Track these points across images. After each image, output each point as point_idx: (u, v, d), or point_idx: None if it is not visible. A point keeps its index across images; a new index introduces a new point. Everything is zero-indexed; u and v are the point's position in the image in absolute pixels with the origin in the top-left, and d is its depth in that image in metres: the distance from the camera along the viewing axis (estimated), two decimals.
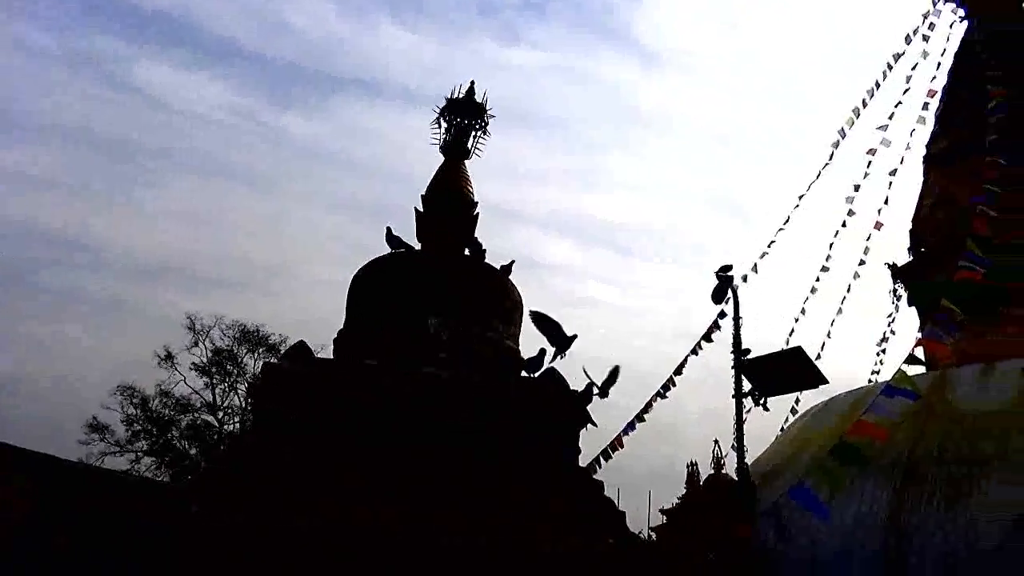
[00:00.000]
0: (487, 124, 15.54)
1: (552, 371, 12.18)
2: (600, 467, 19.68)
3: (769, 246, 23.42)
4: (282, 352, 25.14)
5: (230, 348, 32.68)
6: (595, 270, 70.43)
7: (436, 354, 11.87)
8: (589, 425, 16.16)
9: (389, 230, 14.64)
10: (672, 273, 72.18)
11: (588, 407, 12.58)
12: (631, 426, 20.02)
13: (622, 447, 19.76)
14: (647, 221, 72.78)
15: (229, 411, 31.91)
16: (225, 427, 31.17)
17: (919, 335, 16.83)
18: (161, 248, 58.82)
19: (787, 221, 23.03)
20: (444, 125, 15.57)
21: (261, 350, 32.46)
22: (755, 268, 22.75)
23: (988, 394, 16.87)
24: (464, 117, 15.48)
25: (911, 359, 14.47)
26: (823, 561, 15.55)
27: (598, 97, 76.70)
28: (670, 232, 72.67)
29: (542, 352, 13.19)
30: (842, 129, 24.18)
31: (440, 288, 12.70)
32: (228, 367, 32.28)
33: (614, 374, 14.66)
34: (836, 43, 72.40)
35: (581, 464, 14.09)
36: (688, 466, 19.43)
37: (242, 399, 30.99)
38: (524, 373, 12.63)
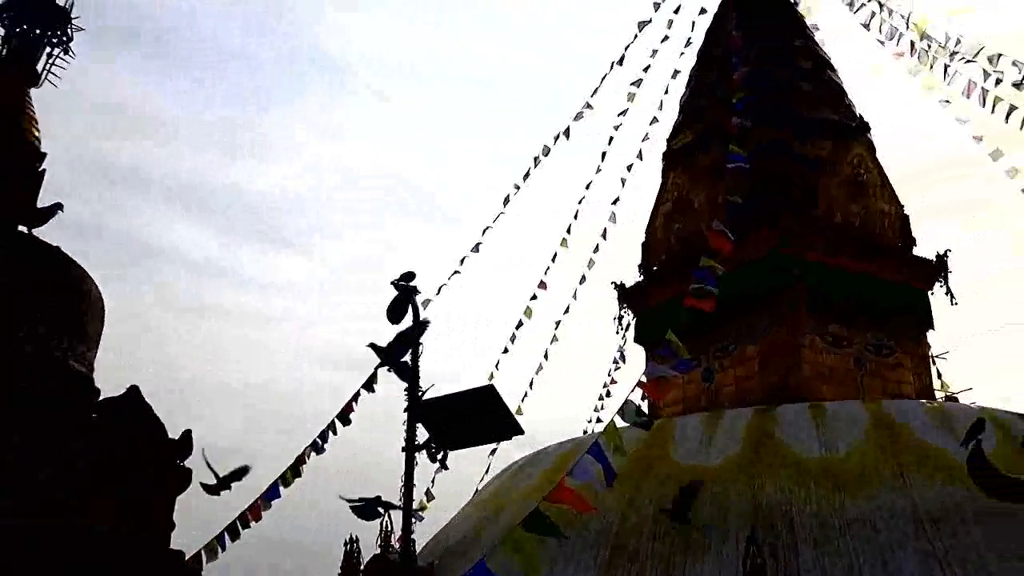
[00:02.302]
0: (70, 39, 14.00)
1: (139, 405, 11.14)
2: (223, 549, 18.79)
3: (475, 248, 24.19)
4: None
5: None
6: (238, 264, 67.71)
7: None
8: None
9: None
10: (343, 275, 71.58)
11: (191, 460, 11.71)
12: (275, 491, 19.43)
13: (259, 519, 19.15)
14: (312, 203, 71.52)
15: None
16: None
17: (643, 375, 18.12)
18: None
19: (496, 218, 23.89)
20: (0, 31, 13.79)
21: None
22: (452, 276, 23.42)
23: (713, 447, 18.67)
24: (33, 24, 13.77)
25: (628, 410, 15.38)
26: None
27: (271, 34, 74.73)
28: (343, 218, 71.75)
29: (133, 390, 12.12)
30: (579, 113, 25.72)
31: None
32: None
33: (239, 473, 14.51)
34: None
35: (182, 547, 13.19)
36: (346, 544, 19.31)
37: None
38: (96, 410, 11.46)
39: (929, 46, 22.64)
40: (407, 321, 14.33)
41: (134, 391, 11.93)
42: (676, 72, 25.69)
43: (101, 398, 12.18)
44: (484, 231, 24.22)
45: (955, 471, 16.24)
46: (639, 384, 16.45)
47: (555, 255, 25.12)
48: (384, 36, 74.91)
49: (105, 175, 61.16)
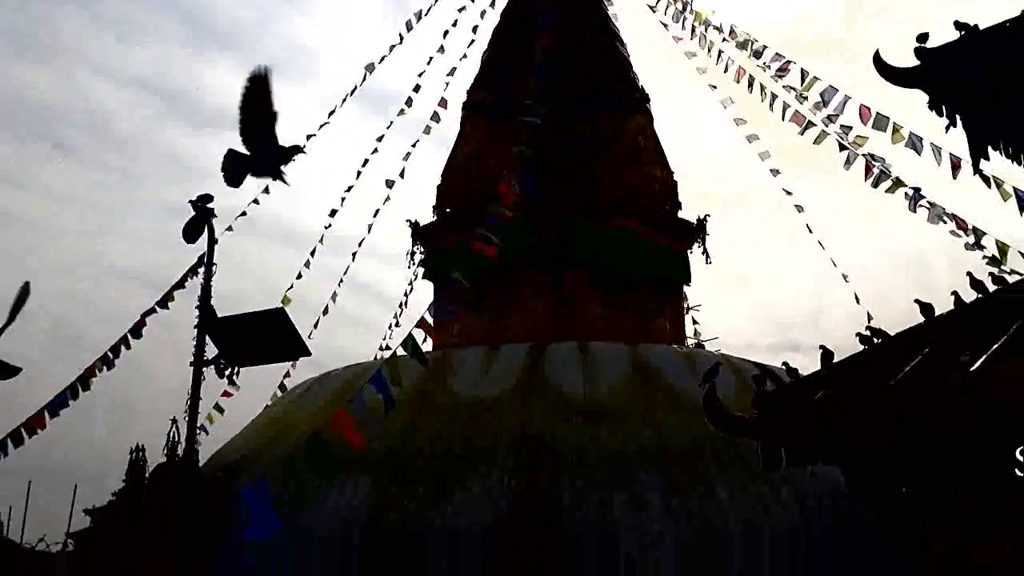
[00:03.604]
0: None
1: None
2: (5, 454, 18.03)
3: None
4: None
5: None
6: (29, 168, 62.80)
7: None
8: None
9: None
10: (143, 187, 67.65)
11: None
12: (62, 400, 18.56)
13: (44, 428, 18.35)
14: (105, 111, 67.08)
15: None
16: None
17: (427, 310, 18.22)
18: None
19: (301, 150, 23.18)
20: None
21: None
22: (256, 201, 22.65)
23: (489, 379, 19.08)
24: None
25: (409, 343, 15.40)
26: (289, 566, 16.12)
27: None
28: (137, 127, 67.50)
29: None
30: (382, 58, 25.33)
31: None
32: None
33: (22, 296, 13.38)
34: None
35: None
36: (132, 452, 18.66)
37: None
38: None
39: (707, 29, 23.57)
40: (202, 242, 13.95)
41: None
42: (476, 27, 25.62)
43: None
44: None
45: (698, 410, 17.25)
46: (422, 320, 16.48)
47: (351, 187, 24.70)
48: None
49: None
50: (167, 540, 15.06)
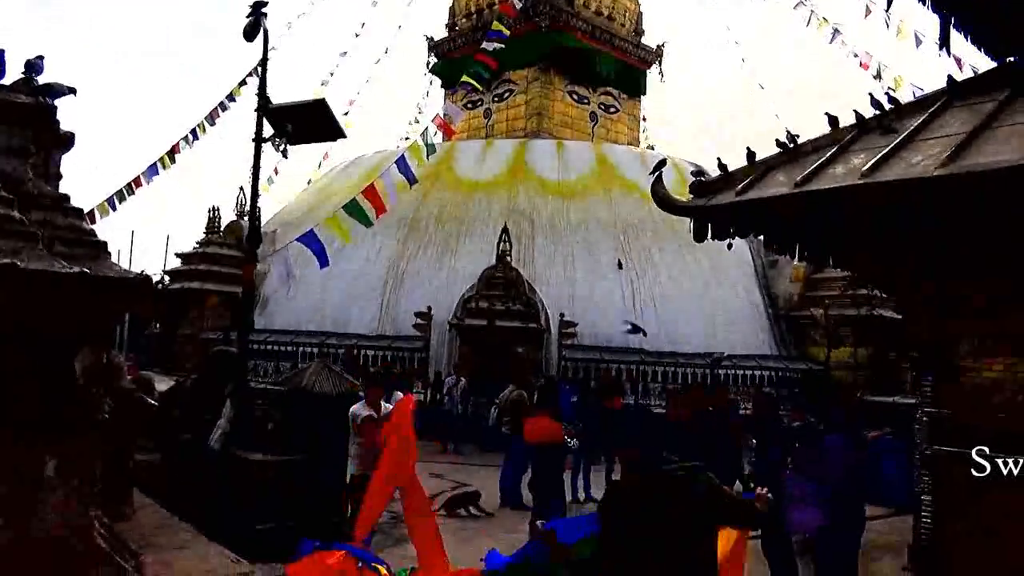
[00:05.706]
0: None
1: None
2: (115, 209, 17.66)
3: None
4: None
5: None
6: None
7: None
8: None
9: None
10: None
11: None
12: (153, 170, 18.04)
13: (140, 186, 17.94)
14: None
15: None
16: None
17: (440, 109, 17.54)
18: None
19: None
20: None
21: None
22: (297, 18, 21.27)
23: (485, 166, 18.75)
24: None
25: (425, 136, 14.85)
26: (332, 302, 16.47)
27: None
28: None
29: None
30: None
31: None
32: None
33: None
34: None
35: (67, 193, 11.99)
36: (210, 211, 18.49)
37: None
38: None
39: None
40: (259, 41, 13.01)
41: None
42: None
43: None
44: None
45: (644, 195, 17.11)
46: (436, 117, 15.83)
47: (375, 2, 23.00)
48: None
49: None
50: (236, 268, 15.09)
